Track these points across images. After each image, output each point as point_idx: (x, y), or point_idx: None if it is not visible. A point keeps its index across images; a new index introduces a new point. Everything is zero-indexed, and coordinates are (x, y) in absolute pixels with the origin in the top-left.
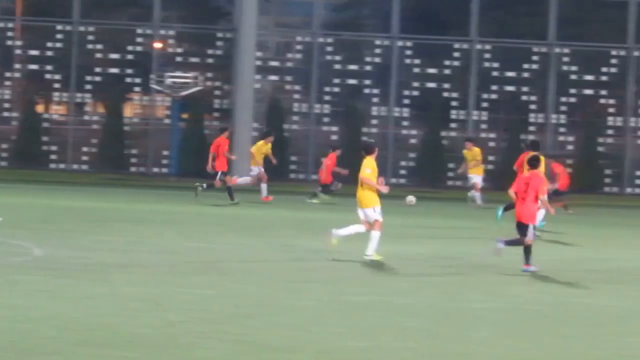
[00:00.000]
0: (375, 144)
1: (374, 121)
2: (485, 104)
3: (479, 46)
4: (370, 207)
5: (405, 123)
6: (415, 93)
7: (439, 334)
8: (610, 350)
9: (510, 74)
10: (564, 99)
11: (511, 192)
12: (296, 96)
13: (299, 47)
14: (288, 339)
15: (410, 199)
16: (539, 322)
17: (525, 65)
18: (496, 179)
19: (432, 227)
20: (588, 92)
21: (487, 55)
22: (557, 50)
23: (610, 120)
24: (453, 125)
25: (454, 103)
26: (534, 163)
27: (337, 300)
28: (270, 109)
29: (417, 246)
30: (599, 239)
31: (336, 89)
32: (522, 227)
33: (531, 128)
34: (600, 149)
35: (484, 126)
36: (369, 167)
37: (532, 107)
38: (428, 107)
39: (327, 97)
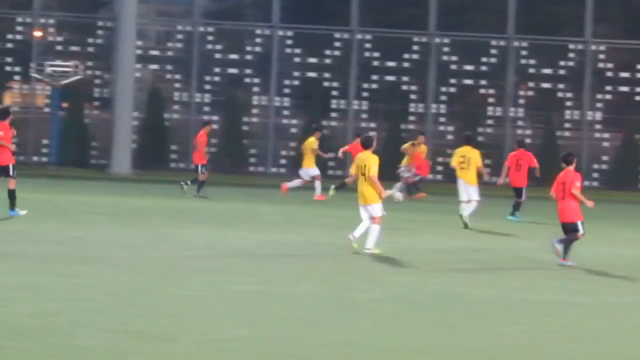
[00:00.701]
0: (373, 138)
1: (255, 110)
2: (365, 94)
3: (359, 36)
4: (374, 203)
5: (286, 112)
6: (296, 82)
7: (321, 324)
8: (490, 339)
9: (390, 63)
10: (444, 89)
11: (552, 193)
12: (177, 85)
13: (179, 36)
14: (168, 328)
15: (397, 195)
16: (421, 311)
17: (406, 55)
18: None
19: (309, 215)
20: (468, 82)
21: (368, 45)
22: (438, 40)
23: (490, 110)
24: (333, 114)
25: (334, 93)
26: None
27: (219, 290)
28: (151, 98)
29: (296, 235)
30: (477, 229)
31: (217, 78)
32: (568, 226)
33: (411, 118)
34: (480, 138)
35: (364, 116)
36: (375, 164)
37: (413, 96)
38: (309, 96)
39: (207, 87)
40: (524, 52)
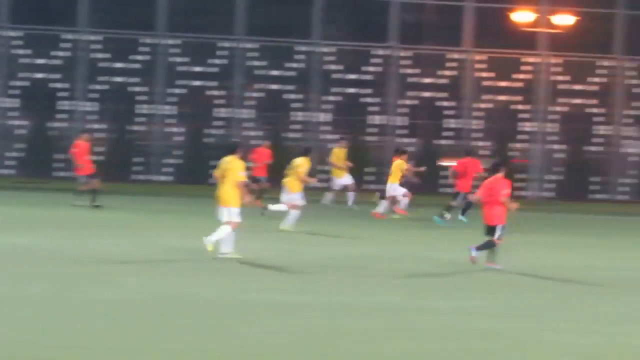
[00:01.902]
0: (240, 144)
1: None
2: (94, 95)
3: (89, 37)
4: (231, 206)
5: (13, 114)
6: (25, 83)
7: (51, 326)
8: (217, 340)
9: (119, 64)
10: (172, 91)
11: (477, 197)
12: None
13: None
14: None
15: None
16: (155, 312)
17: (136, 57)
18: (106, 170)
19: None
20: (197, 83)
21: (98, 46)
22: (170, 41)
23: (219, 112)
24: (61, 116)
25: (62, 94)
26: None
27: None
28: None
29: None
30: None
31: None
32: (490, 229)
33: (139, 119)
34: (209, 139)
35: (93, 117)
36: (241, 169)
37: (140, 98)
38: (36, 97)
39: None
40: (252, 54)
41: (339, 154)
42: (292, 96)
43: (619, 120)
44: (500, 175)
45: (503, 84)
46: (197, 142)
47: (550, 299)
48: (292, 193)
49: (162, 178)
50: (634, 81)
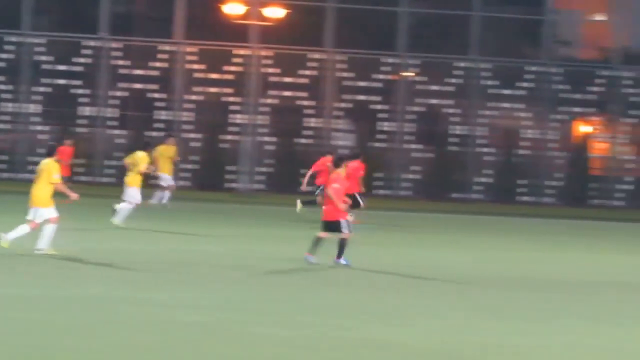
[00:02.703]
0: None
1: None
2: None
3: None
4: (40, 206)
5: None
6: None
7: None
8: None
9: None
10: None
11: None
12: None
13: None
14: None
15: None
16: None
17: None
18: None
19: None
20: None
21: None
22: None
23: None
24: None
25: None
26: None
27: None
28: None
29: None
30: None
31: None
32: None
33: None
34: None
35: None
36: (56, 171)
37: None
38: None
39: None
40: None
41: (165, 151)
42: (2, 87)
43: (329, 113)
44: (341, 170)
45: (214, 76)
46: None
47: (257, 291)
48: (132, 188)
49: None
50: (345, 74)
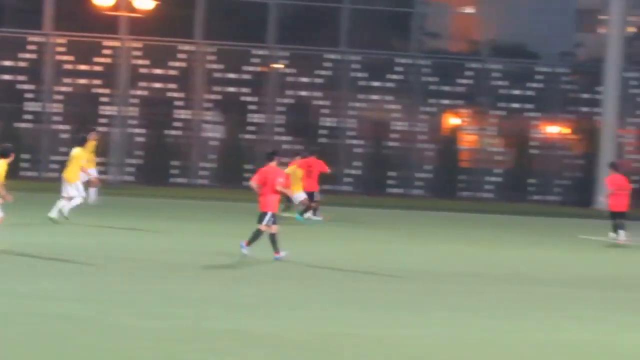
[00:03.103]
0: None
1: None
2: None
3: None
4: None
5: None
6: None
7: None
8: None
9: None
10: None
11: (252, 183)
12: None
13: None
14: None
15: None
16: None
17: None
18: None
19: None
20: None
21: None
22: None
23: None
24: None
25: None
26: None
27: None
28: None
29: None
30: None
31: None
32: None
33: None
34: None
35: None
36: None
37: None
38: None
39: None
40: None
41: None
42: None
43: (199, 104)
44: (274, 163)
45: (84, 67)
46: None
47: (128, 283)
48: (70, 184)
49: None
50: (215, 66)
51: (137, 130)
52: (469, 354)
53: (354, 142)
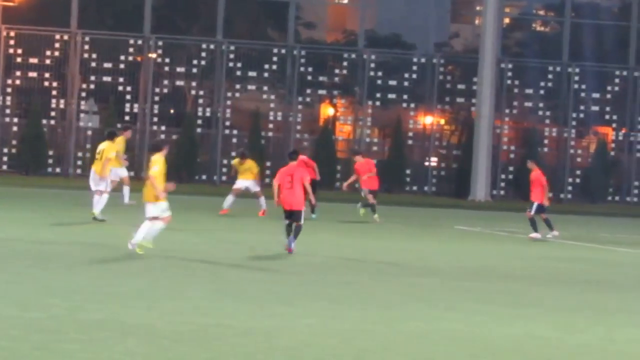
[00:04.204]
0: (166, 142)
1: None
2: None
3: None
4: (155, 201)
5: None
6: None
7: None
8: None
9: None
10: None
11: (276, 184)
12: None
13: None
14: None
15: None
16: None
17: None
18: None
19: None
20: None
21: None
22: None
23: None
24: None
25: None
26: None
27: None
28: None
29: None
30: None
31: None
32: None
33: None
34: None
35: None
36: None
37: None
38: None
39: None
40: None
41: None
42: None
43: (74, 94)
44: (295, 163)
45: None
46: None
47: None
48: (101, 178)
49: None
50: (90, 55)
51: (14, 120)
52: (341, 344)
53: (230, 132)
